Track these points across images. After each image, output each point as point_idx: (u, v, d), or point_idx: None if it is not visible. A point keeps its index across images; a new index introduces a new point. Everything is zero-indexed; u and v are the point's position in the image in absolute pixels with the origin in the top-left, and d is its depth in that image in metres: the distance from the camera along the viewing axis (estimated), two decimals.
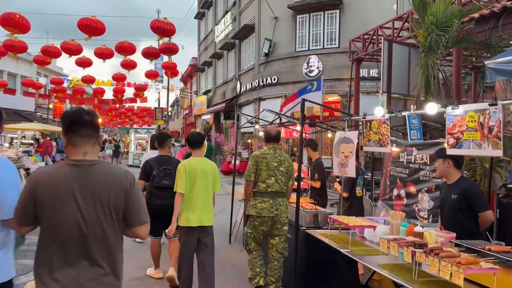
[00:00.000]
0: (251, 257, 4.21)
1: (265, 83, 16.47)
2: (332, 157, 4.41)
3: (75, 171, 1.85)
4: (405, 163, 6.11)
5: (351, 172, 3.81)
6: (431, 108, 2.94)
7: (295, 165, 5.60)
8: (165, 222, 4.23)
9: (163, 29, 13.43)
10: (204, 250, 4.05)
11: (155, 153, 5.55)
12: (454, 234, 2.70)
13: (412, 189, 5.95)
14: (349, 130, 4.08)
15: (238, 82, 19.54)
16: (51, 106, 37.68)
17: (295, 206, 4.68)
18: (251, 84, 17.68)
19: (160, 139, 4.94)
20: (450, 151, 2.79)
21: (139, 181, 4.69)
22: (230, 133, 20.11)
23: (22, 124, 19.05)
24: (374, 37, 10.41)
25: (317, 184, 6.00)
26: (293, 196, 5.44)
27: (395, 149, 5.77)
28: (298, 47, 15.65)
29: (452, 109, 2.68)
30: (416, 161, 5.89)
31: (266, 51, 16.19)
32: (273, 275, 4.09)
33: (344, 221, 3.28)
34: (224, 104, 20.16)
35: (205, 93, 25.96)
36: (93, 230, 1.83)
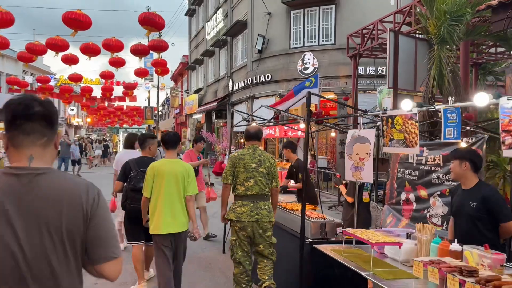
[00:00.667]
0: (236, 272, 3.83)
1: (258, 81, 15.94)
2: (333, 158, 3.92)
3: (13, 184, 1.30)
4: (414, 164, 5.62)
5: (367, 177, 3.28)
6: (481, 100, 2.43)
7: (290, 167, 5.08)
8: (142, 227, 4.09)
9: (152, 20, 12.80)
10: (180, 255, 3.92)
11: (129, 153, 5.26)
12: (504, 256, 2.20)
13: (423, 193, 5.47)
14: (364, 128, 3.56)
15: (230, 80, 18.98)
16: None
17: (295, 213, 4.17)
18: (244, 82, 17.13)
19: (140, 140, 4.64)
20: (507, 153, 2.28)
21: (116, 182, 4.49)
22: (222, 133, 19.55)
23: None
24: (374, 31, 9.94)
25: (300, 185, 5.74)
26: (295, 203, 4.94)
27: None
28: (293, 44, 15.14)
29: (508, 100, 2.18)
30: (427, 162, 5.41)
31: (259, 48, 15.66)
32: (265, 273, 3.81)
33: (363, 236, 2.77)
34: (215, 103, 19.59)
35: (196, 91, 25.34)
36: (38, 268, 1.28)
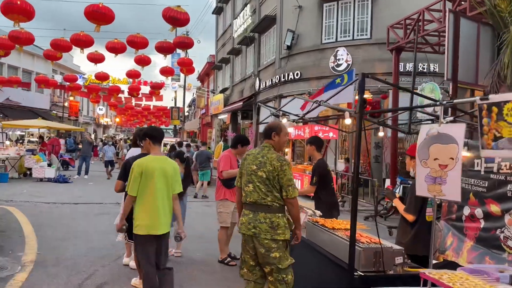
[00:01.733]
0: None
1: (286, 79, 14.99)
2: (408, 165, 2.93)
3: None
4: (482, 172, 4.51)
5: (453, 193, 2.26)
6: None
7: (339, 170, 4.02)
8: None
9: (176, 18, 12.25)
10: (159, 256, 3.63)
11: (138, 151, 4.80)
12: None
13: (495, 208, 4.36)
14: (447, 123, 2.58)
15: (257, 78, 18.11)
16: (66, 104, 37.03)
17: (337, 233, 3.22)
18: (271, 80, 16.23)
19: (139, 135, 4.36)
20: None
21: (117, 181, 4.21)
22: (248, 133, 18.69)
23: (25, 121, 17.94)
24: (417, 22, 8.85)
25: (312, 189, 4.93)
26: (335, 220, 3.96)
27: (466, 153, 4.24)
28: (325, 39, 14.12)
29: None
30: (501, 171, 4.33)
31: (289, 44, 14.71)
32: None
33: (450, 283, 1.79)
34: (241, 103, 18.77)
35: (222, 91, 24.63)
36: None
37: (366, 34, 13.48)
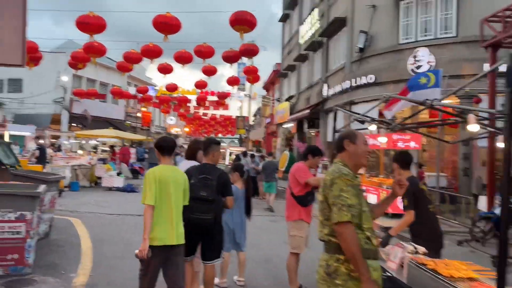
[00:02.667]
0: None
1: (358, 83, 13.89)
2: None
3: None
4: None
5: None
6: None
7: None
8: (201, 239, 3.85)
9: (244, 18, 11.85)
10: (175, 270, 3.52)
11: (191, 164, 4.47)
12: None
13: None
14: None
15: (325, 85, 17.15)
16: (139, 114, 38.69)
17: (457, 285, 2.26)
18: (341, 86, 15.19)
19: (204, 145, 4.12)
20: None
21: None
22: (315, 143, 17.73)
23: (96, 130, 18.62)
24: None
25: (410, 216, 3.81)
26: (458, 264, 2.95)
27: None
28: (402, 39, 12.85)
29: None
30: None
31: (361, 46, 13.63)
32: None
33: None
34: (308, 111, 17.90)
35: (288, 99, 23.94)
36: None
37: (451, 32, 12.02)
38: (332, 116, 16.40)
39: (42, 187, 4.80)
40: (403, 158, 4.16)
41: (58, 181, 6.36)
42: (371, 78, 13.34)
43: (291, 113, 22.63)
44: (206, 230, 3.74)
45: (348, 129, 3.25)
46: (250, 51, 13.97)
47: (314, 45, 18.56)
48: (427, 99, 4.10)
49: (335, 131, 4.09)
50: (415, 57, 12.17)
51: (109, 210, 9.26)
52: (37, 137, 12.24)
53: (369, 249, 2.26)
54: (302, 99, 21.73)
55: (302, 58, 21.49)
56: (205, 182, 3.78)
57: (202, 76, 19.08)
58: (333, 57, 17.21)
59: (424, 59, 12.00)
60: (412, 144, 10.27)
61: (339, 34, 16.42)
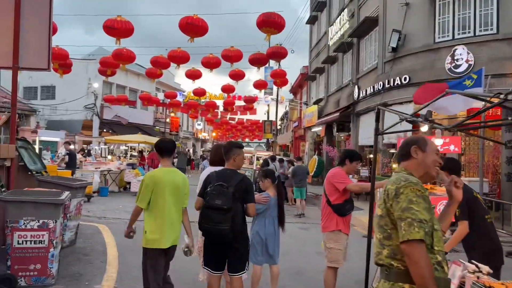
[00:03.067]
0: None
1: (392, 84, 13.31)
2: None
3: None
4: None
5: None
6: None
7: None
8: (223, 253, 3.55)
9: (272, 20, 11.66)
10: (166, 270, 3.74)
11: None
12: None
13: None
14: None
15: (356, 87, 16.62)
16: (168, 120, 39.08)
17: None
18: (373, 87, 14.64)
19: (225, 149, 3.78)
20: None
21: (197, 198, 3.66)
22: (346, 147, 17.18)
23: (125, 136, 18.74)
24: None
25: (463, 227, 3.35)
26: None
27: None
28: (438, 37, 12.21)
29: None
30: None
31: (394, 45, 13.06)
32: None
33: None
34: (338, 114, 17.39)
35: (316, 102, 23.45)
36: None
37: (492, 29, 11.31)
38: (366, 118, 15.86)
39: (65, 194, 4.63)
40: (451, 165, 3.71)
41: (84, 187, 6.23)
42: (405, 79, 12.75)
43: (319, 117, 22.14)
44: (223, 240, 3.45)
45: (418, 134, 2.86)
46: (278, 53, 13.68)
47: (343, 46, 18.06)
48: (502, 94, 3.61)
49: (377, 133, 3.66)
50: (452, 56, 11.52)
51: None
52: (67, 142, 12.30)
53: (440, 278, 1.84)
54: (331, 102, 21.21)
55: (331, 60, 21.00)
56: (221, 189, 3.47)
57: (229, 81, 18.98)
58: (364, 58, 16.66)
59: (463, 57, 11.35)
60: (452, 148, 9.66)
61: (370, 34, 15.88)
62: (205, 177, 3.78)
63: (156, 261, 3.58)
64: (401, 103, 13.08)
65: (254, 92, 38.47)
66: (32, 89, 29.31)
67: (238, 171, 3.73)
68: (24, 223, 4.14)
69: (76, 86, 27.43)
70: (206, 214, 3.45)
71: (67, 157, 11.29)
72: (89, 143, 23.10)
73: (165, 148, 3.76)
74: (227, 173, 3.66)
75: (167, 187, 3.57)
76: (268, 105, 38.27)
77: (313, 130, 24.94)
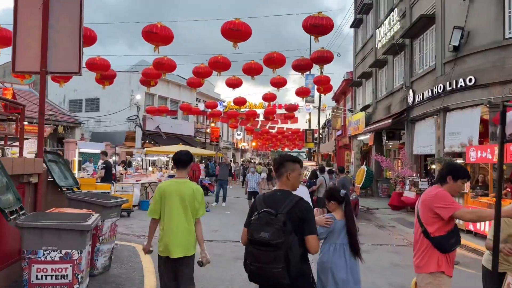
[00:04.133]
0: None
1: (454, 87, 11.96)
2: None
3: None
4: None
5: None
6: None
7: None
8: None
9: (318, 25, 10.92)
10: (181, 280, 3.64)
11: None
12: None
13: None
14: None
15: (410, 91, 15.29)
16: (208, 130, 38.90)
17: None
18: (431, 91, 13.31)
19: (275, 163, 2.99)
20: None
21: (243, 229, 2.84)
22: (401, 156, 15.82)
23: (166, 147, 18.29)
24: None
25: None
26: None
27: None
28: (509, 32, 10.80)
29: None
30: None
31: (456, 44, 11.75)
32: None
33: None
34: (390, 120, 16.09)
35: (363, 109, 22.15)
36: None
37: None
38: (423, 124, 14.47)
39: (94, 218, 3.92)
40: None
41: (119, 205, 5.56)
42: (470, 80, 11.38)
43: (367, 124, 20.83)
44: (277, 285, 2.57)
45: None
46: (324, 58, 12.79)
47: (394, 48, 16.80)
48: None
49: (504, 138, 2.61)
50: None
51: None
52: (103, 153, 11.82)
53: None
54: (380, 108, 19.88)
55: (379, 64, 19.72)
56: (268, 218, 2.63)
57: (269, 89, 18.20)
58: (418, 59, 15.33)
59: None
60: None
61: (426, 33, 14.57)
62: (252, 202, 3.02)
63: (163, 268, 3.64)
64: (466, 107, 11.72)
65: (294, 100, 37.19)
66: (77, 102, 29.99)
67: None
68: (43, 254, 3.45)
69: (119, 98, 27.78)
70: (250, 251, 2.65)
71: (103, 171, 10.78)
72: (130, 154, 23.02)
73: (180, 160, 3.76)
74: (277, 196, 2.80)
75: (173, 198, 3.59)
76: (310, 114, 37.16)
77: (359, 138, 23.62)
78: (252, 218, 2.70)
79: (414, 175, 14.42)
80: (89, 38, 11.41)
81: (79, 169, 12.36)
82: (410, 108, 15.43)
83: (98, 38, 11.92)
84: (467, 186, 10.09)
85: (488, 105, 10.78)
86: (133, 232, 8.28)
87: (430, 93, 13.39)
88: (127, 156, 25.21)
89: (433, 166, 12.27)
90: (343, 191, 3.64)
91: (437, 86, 12.86)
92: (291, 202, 2.70)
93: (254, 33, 10.96)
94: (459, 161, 11.57)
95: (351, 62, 27.58)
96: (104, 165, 10.87)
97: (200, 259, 3.65)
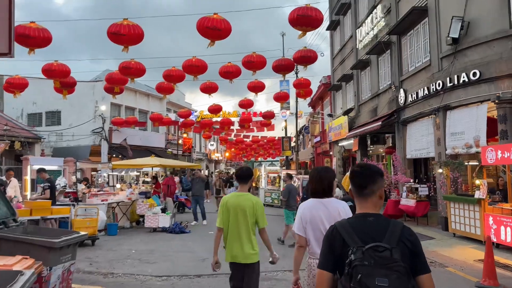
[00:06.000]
0: None
1: (455, 83, 10.94)
2: None
3: None
4: None
5: None
6: None
7: None
8: None
9: (308, 17, 9.85)
10: (247, 285, 3.95)
11: (324, 204, 3.16)
12: None
13: None
14: None
15: (401, 90, 14.27)
16: (180, 141, 37.03)
17: None
18: (427, 89, 12.29)
19: (356, 175, 2.09)
20: None
21: (318, 271, 2.00)
22: (394, 161, 14.72)
23: (135, 160, 16.35)
24: None
25: None
26: None
27: None
28: None
29: None
30: None
31: (456, 36, 10.76)
32: None
33: None
34: (379, 123, 15.00)
35: (346, 113, 21.10)
36: None
37: None
38: (418, 126, 13.41)
39: (24, 280, 2.33)
40: None
41: (75, 244, 3.94)
42: (474, 74, 10.38)
43: (350, 129, 19.77)
44: None
45: None
46: (307, 58, 11.60)
47: (379, 47, 15.81)
48: None
49: None
50: None
51: (156, 268, 6.76)
52: (41, 170, 9.50)
53: None
54: (365, 111, 18.86)
55: (361, 65, 18.74)
56: (378, 256, 1.80)
57: (237, 100, 16.82)
58: (408, 56, 14.35)
59: None
60: None
61: (416, 29, 13.62)
62: (328, 231, 2.06)
63: (232, 274, 4.03)
64: (469, 104, 10.71)
65: (265, 109, 35.85)
66: (36, 115, 27.59)
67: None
68: None
69: (82, 110, 25.76)
70: None
71: (48, 192, 8.61)
72: (96, 170, 20.92)
73: (243, 176, 4.13)
74: (371, 223, 1.99)
75: (231, 210, 3.97)
76: (286, 121, 36.05)
77: (340, 144, 22.56)
78: (352, 257, 1.84)
79: (411, 181, 13.32)
80: (43, 40, 9.76)
81: (32, 189, 10.43)
82: (401, 109, 14.40)
83: (61, 55, 10.54)
84: (483, 190, 8.97)
85: (496, 101, 9.79)
86: (98, 268, 6.54)
87: (426, 91, 12.36)
88: (92, 173, 23.05)
89: (440, 171, 11.14)
90: (349, 203, 3.32)
91: (434, 83, 11.84)
92: (396, 231, 1.92)
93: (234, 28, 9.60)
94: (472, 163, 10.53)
95: (322, 67, 26.74)
96: (49, 185, 8.77)
97: (270, 260, 4.06)
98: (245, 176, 4.10)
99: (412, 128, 14.12)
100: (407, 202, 12.45)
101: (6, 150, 19.38)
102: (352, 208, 3.17)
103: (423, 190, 12.09)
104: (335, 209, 3.14)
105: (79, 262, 6.86)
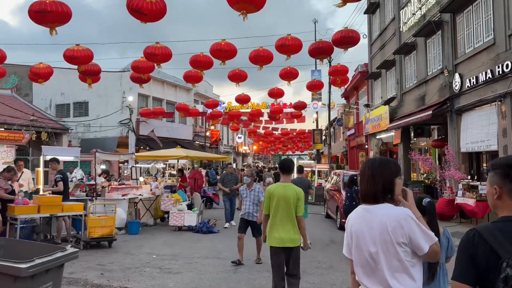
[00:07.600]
0: None
1: None
2: None
3: None
4: None
5: None
6: None
7: None
8: None
9: (349, 37, 9.19)
10: (289, 263, 4.46)
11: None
12: None
13: None
14: None
15: (457, 75, 12.59)
16: (208, 134, 36.17)
17: None
18: (491, 72, 10.62)
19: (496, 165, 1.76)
20: None
21: (456, 283, 1.65)
22: (447, 154, 13.05)
23: (160, 151, 15.27)
24: None
25: None
26: None
27: None
28: None
29: None
30: None
31: None
32: None
33: None
34: (430, 112, 13.35)
35: (386, 102, 19.42)
36: None
37: None
38: (475, 115, 11.74)
39: None
40: None
41: (59, 266, 2.83)
42: None
43: (391, 120, 18.11)
44: None
45: None
46: (349, 39, 10.16)
47: (429, 27, 14.12)
48: None
49: None
50: None
51: (178, 280, 5.64)
52: (53, 160, 8.34)
53: None
54: (409, 100, 17.17)
55: (406, 49, 17.03)
56: None
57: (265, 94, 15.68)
58: (464, 36, 12.63)
59: None
60: None
61: (476, 3, 11.89)
62: (466, 237, 1.67)
63: (275, 257, 4.49)
64: None
65: (289, 102, 34.17)
66: (64, 106, 27.27)
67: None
68: None
69: (110, 101, 25.21)
70: None
71: (61, 184, 7.53)
72: (123, 162, 20.19)
73: (286, 167, 4.69)
74: None
75: (275, 199, 4.42)
76: (317, 112, 34.45)
77: (379, 136, 20.89)
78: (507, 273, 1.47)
79: (468, 177, 11.70)
80: (61, 14, 8.76)
81: (45, 182, 9.58)
82: (455, 97, 12.73)
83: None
84: None
85: None
86: (110, 280, 5.43)
87: (489, 75, 10.68)
88: (120, 165, 22.40)
89: None
90: (426, 200, 2.88)
91: (501, 65, 10.16)
92: None
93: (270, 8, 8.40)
94: None
95: (353, 57, 24.94)
96: (61, 176, 7.72)
97: (302, 245, 4.54)
98: (288, 168, 4.71)
99: (468, 117, 12.44)
100: (466, 201, 10.90)
101: (33, 141, 18.91)
102: (430, 204, 2.86)
103: (485, 189, 10.47)
104: (380, 223, 1.98)
105: (89, 271, 5.83)
